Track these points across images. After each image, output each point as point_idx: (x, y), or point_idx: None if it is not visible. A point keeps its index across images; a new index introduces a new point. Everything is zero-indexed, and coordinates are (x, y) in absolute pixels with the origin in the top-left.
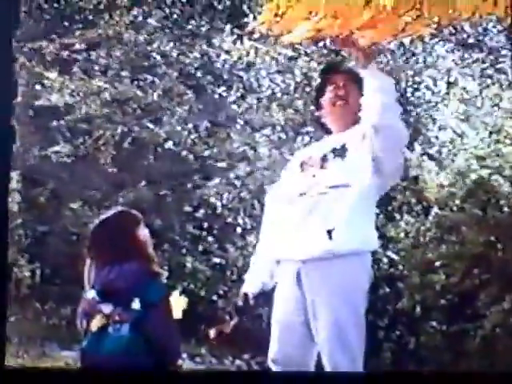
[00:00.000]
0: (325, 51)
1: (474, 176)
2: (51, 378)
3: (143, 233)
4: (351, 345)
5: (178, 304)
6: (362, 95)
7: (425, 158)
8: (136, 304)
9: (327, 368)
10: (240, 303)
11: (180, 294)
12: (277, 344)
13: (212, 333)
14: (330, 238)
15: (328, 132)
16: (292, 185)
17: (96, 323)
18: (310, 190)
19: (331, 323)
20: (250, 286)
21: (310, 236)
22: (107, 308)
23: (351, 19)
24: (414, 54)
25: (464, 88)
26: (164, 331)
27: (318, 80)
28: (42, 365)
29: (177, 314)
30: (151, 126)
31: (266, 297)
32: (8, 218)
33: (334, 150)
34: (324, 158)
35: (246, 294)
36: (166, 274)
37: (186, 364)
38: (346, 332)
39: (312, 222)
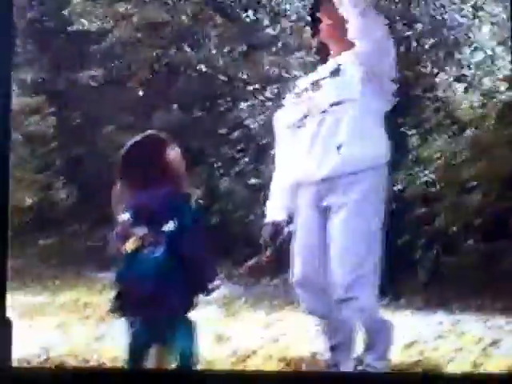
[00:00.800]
0: None
1: (503, 97)
2: (58, 378)
3: (173, 154)
4: (363, 274)
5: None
6: None
7: (455, 79)
8: (170, 226)
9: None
10: (268, 232)
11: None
12: (299, 266)
13: (248, 266)
14: (339, 152)
15: (326, 58)
16: (294, 109)
17: (130, 245)
18: (310, 111)
19: (344, 251)
20: (275, 213)
21: (320, 155)
22: (141, 230)
23: None
24: None
25: (490, 12)
26: (199, 252)
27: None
28: (79, 286)
29: None
30: (186, 49)
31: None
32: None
33: (330, 73)
34: (316, 82)
35: (275, 223)
36: (197, 193)
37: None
38: (360, 260)
39: (320, 141)
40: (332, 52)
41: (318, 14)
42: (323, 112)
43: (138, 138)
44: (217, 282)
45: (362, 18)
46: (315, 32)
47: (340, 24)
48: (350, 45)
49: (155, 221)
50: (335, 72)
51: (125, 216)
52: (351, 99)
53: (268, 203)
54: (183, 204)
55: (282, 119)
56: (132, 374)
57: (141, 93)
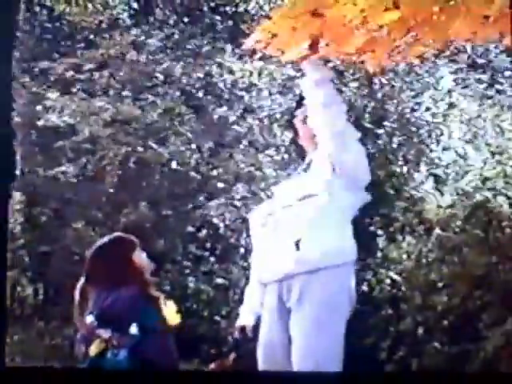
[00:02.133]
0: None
1: (477, 197)
2: (51, 378)
3: (140, 257)
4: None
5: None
6: None
7: (427, 179)
8: (134, 329)
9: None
10: (237, 336)
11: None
12: (261, 364)
13: (212, 368)
14: (298, 248)
15: (303, 156)
16: (262, 208)
17: (94, 348)
18: (273, 209)
19: (304, 347)
20: (246, 318)
21: (281, 252)
22: (106, 333)
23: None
24: (415, 75)
25: (462, 109)
26: (162, 356)
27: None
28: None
29: (173, 320)
30: (154, 146)
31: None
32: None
33: (301, 169)
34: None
35: (242, 328)
36: (162, 297)
37: None
38: (320, 361)
39: (280, 237)
40: (306, 150)
41: (294, 118)
42: (285, 208)
43: (105, 239)
44: None
45: (325, 108)
46: (295, 133)
47: (310, 126)
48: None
49: (120, 323)
50: (306, 168)
51: (89, 318)
52: (314, 194)
53: (241, 306)
54: (148, 307)
55: (253, 217)
56: (129, 375)
57: (110, 189)
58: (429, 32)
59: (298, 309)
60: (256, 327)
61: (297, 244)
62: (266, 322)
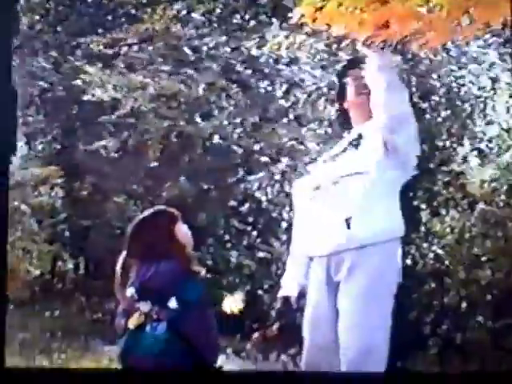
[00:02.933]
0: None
1: None
2: (52, 378)
3: (182, 231)
4: (372, 348)
5: (234, 303)
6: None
7: (471, 153)
8: (173, 303)
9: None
10: (280, 306)
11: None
12: (307, 344)
13: (255, 338)
14: (349, 227)
15: (349, 127)
16: (309, 181)
17: (134, 321)
18: (323, 182)
19: (353, 325)
20: (289, 289)
21: (330, 228)
22: (145, 306)
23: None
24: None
25: (508, 83)
26: (201, 331)
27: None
28: (85, 361)
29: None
30: (197, 120)
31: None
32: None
33: (349, 143)
34: (335, 154)
35: (285, 298)
36: (203, 271)
37: (231, 359)
38: (368, 335)
39: (329, 213)
40: (353, 119)
41: (344, 80)
42: (335, 183)
43: (148, 212)
44: (218, 363)
45: (387, 92)
46: (339, 98)
47: (364, 92)
48: (366, 116)
49: (160, 297)
50: (355, 142)
51: (129, 291)
52: (365, 172)
53: (283, 277)
54: (189, 281)
55: (298, 189)
56: (128, 375)
57: (152, 164)
58: (484, 12)
59: (348, 283)
60: (299, 298)
61: (348, 222)
62: (313, 295)
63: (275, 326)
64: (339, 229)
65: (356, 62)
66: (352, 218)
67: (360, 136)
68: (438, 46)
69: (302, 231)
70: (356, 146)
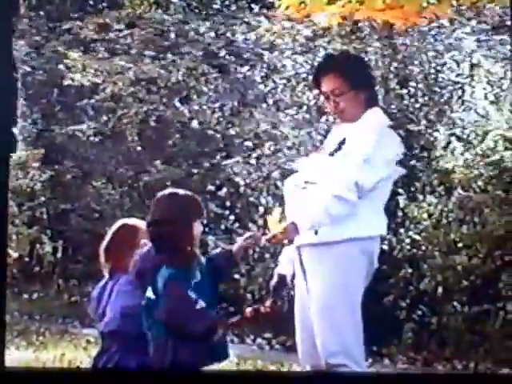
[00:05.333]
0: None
1: (498, 157)
2: (49, 379)
3: (198, 228)
4: (343, 337)
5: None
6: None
7: (448, 139)
8: (149, 292)
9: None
10: (274, 283)
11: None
12: (296, 330)
13: (248, 312)
14: (316, 233)
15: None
16: (294, 176)
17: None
18: (294, 181)
19: (321, 312)
20: (284, 267)
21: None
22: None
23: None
24: (434, 36)
25: (488, 70)
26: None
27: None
28: (63, 342)
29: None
30: (177, 104)
31: None
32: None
33: (334, 148)
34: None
35: (281, 276)
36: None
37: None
38: (337, 322)
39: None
40: (338, 118)
41: (322, 77)
42: (302, 188)
43: (180, 191)
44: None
45: (374, 150)
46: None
47: (343, 94)
48: (354, 117)
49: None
50: (337, 148)
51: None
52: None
53: (280, 256)
54: (159, 269)
55: (286, 181)
56: (127, 375)
57: (131, 148)
58: None
59: (313, 279)
60: (294, 276)
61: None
62: (296, 286)
63: (268, 303)
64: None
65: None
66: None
67: (343, 142)
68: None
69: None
70: (336, 151)
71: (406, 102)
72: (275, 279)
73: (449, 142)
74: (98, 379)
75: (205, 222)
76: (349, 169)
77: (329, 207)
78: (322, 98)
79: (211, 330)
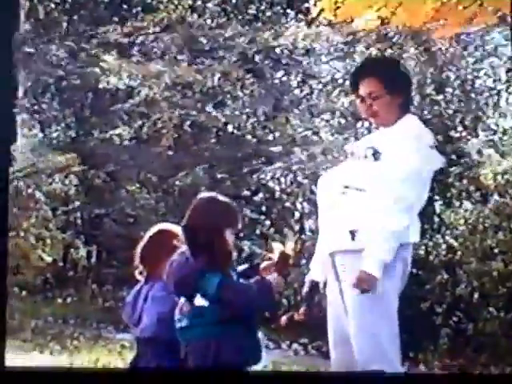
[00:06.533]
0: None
1: None
2: (49, 379)
3: (229, 238)
4: (380, 342)
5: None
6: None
7: (485, 145)
8: (199, 300)
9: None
10: (307, 290)
11: None
12: (329, 336)
13: (283, 321)
14: (353, 238)
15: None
16: (328, 177)
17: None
18: (332, 185)
19: (357, 319)
20: (316, 274)
21: (336, 231)
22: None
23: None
24: (472, 42)
25: None
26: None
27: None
28: (98, 347)
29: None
30: (211, 109)
31: None
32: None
33: (370, 149)
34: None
35: (313, 282)
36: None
37: None
38: (373, 328)
39: (336, 218)
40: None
41: (361, 79)
42: (341, 193)
43: (220, 196)
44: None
45: (426, 155)
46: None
47: (383, 102)
48: (388, 121)
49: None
50: (376, 156)
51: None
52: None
53: (311, 262)
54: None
55: (319, 183)
56: (129, 376)
57: (165, 153)
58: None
59: (350, 278)
60: (325, 285)
61: (352, 233)
62: (330, 292)
63: (302, 310)
64: (343, 235)
65: (365, 70)
66: (357, 231)
67: (378, 151)
68: (453, 36)
69: (326, 225)
70: (376, 158)
71: (442, 107)
72: (307, 286)
73: (485, 148)
74: (101, 379)
75: (238, 233)
76: (399, 184)
77: (392, 244)
78: (357, 101)
79: (272, 293)
